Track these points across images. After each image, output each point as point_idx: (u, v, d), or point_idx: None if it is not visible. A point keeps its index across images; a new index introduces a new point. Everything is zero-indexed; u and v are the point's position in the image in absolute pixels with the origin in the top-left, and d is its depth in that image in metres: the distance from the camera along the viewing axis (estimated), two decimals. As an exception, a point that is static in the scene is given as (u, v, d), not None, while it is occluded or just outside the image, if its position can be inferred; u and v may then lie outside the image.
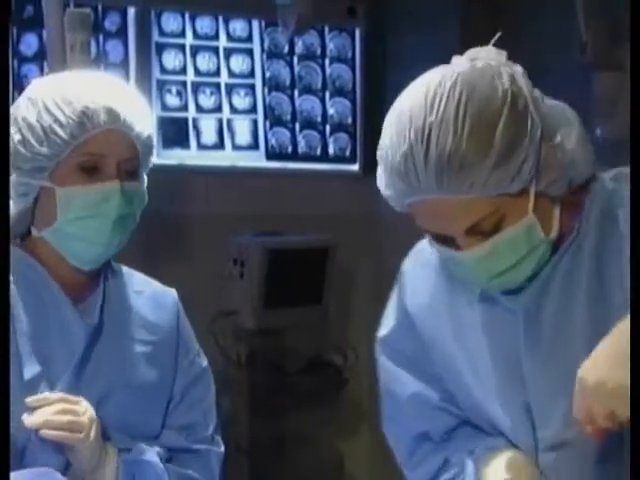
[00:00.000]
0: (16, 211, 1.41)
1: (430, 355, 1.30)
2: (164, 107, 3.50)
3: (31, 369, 1.38)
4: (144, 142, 1.43)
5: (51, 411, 1.34)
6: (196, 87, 3.59)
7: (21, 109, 1.40)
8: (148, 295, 1.52)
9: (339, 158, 3.86)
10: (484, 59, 1.18)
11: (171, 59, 3.52)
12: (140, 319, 1.49)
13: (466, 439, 1.30)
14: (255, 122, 3.70)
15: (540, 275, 1.21)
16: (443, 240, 1.18)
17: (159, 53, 3.49)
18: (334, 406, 3.50)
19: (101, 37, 3.38)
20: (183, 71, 3.54)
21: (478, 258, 1.16)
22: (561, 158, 1.16)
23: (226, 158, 3.64)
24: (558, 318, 1.21)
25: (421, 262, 1.32)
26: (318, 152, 3.83)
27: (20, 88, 3.23)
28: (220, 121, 3.63)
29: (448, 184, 1.11)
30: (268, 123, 3.73)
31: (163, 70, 3.50)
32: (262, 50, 3.70)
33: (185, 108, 3.54)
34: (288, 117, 3.76)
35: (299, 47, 3.77)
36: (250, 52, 3.68)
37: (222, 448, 1.54)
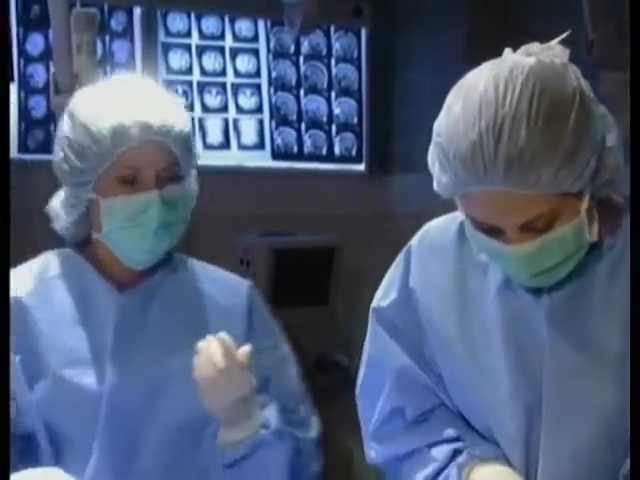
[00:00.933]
0: (71, 220, 1.48)
1: (425, 336, 1.30)
2: (170, 107, 3.50)
3: (74, 354, 1.42)
4: (182, 145, 1.45)
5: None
6: (202, 87, 3.59)
7: (62, 125, 1.46)
8: (219, 282, 1.55)
9: (345, 158, 3.85)
10: (547, 54, 1.18)
11: (177, 59, 3.52)
12: (208, 304, 1.51)
13: (441, 425, 1.29)
14: (261, 122, 3.70)
15: (576, 278, 1.20)
16: (492, 232, 1.17)
17: (165, 53, 3.50)
18: (340, 405, 3.49)
19: (107, 37, 3.38)
20: (189, 71, 3.54)
21: (527, 254, 1.15)
22: (612, 162, 1.17)
23: (232, 158, 3.63)
24: (592, 326, 1.19)
25: (432, 245, 1.31)
26: (324, 152, 3.82)
27: (26, 88, 3.23)
28: (226, 121, 3.63)
29: (516, 178, 1.11)
30: (274, 123, 3.72)
31: (169, 70, 3.50)
32: (268, 50, 3.70)
33: (191, 108, 3.54)
34: (294, 117, 3.76)
35: (305, 47, 3.77)
36: (256, 52, 3.68)
37: (313, 433, 1.54)
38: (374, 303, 1.36)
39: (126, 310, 1.47)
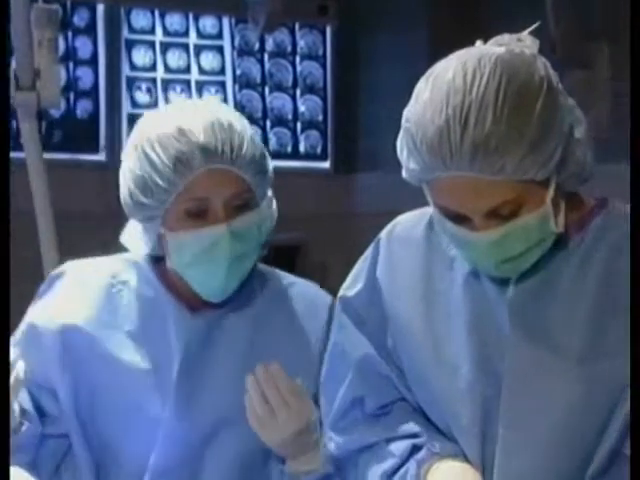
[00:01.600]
0: (147, 251, 1.40)
1: (388, 326, 1.30)
2: (134, 104, 3.47)
3: (138, 367, 1.36)
4: (253, 171, 1.35)
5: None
6: (166, 84, 3.57)
7: (126, 157, 1.37)
8: (298, 299, 1.45)
9: (310, 156, 3.85)
10: (517, 45, 1.19)
11: (141, 56, 3.51)
12: (284, 324, 1.42)
13: (401, 420, 1.29)
14: (226, 119, 3.68)
15: (542, 272, 1.21)
16: (458, 219, 1.18)
17: (129, 50, 3.48)
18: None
19: (70, 34, 3.37)
20: (153, 68, 3.53)
21: (492, 241, 1.17)
22: (580, 154, 1.19)
23: (196, 156, 3.61)
24: (555, 322, 1.20)
25: (401, 237, 1.32)
26: (289, 149, 3.82)
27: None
28: (190, 118, 3.60)
29: (481, 164, 1.12)
30: (239, 120, 3.72)
31: (133, 67, 3.48)
32: (232, 47, 3.69)
33: (155, 105, 3.51)
34: (259, 114, 3.75)
35: (270, 44, 3.76)
36: (220, 49, 3.67)
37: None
38: (341, 292, 1.35)
39: (196, 332, 1.37)
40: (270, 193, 1.42)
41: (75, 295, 1.40)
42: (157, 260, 1.42)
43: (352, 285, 1.34)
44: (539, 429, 1.17)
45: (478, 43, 1.21)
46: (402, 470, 1.26)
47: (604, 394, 1.14)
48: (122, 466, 1.36)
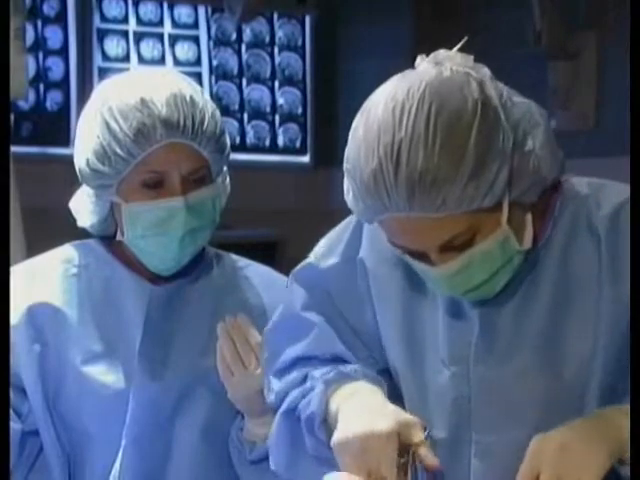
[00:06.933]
0: (95, 220, 1.40)
1: (373, 312, 1.28)
2: (107, 96, 3.43)
3: (91, 351, 1.38)
4: (213, 147, 1.35)
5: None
6: (140, 75, 3.53)
7: (84, 123, 1.36)
8: (256, 279, 1.47)
9: (289, 149, 3.81)
10: (450, 63, 1.16)
11: (113, 46, 3.46)
12: (243, 302, 1.44)
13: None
14: (202, 112, 3.65)
15: (516, 282, 1.19)
16: (415, 255, 1.16)
17: (101, 40, 3.43)
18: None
19: (39, 22, 3.32)
20: (126, 59, 3.48)
21: (452, 273, 1.15)
22: (533, 165, 1.15)
23: (172, 149, 3.57)
24: (515, 324, 1.19)
25: None
26: (267, 143, 3.78)
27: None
28: (166, 111, 3.57)
29: (419, 202, 1.10)
30: (215, 113, 3.69)
31: (105, 57, 3.43)
32: (209, 37, 3.64)
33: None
34: (236, 107, 3.71)
35: (247, 35, 3.72)
36: (196, 39, 3.62)
37: None
38: (312, 259, 1.31)
39: (157, 301, 1.40)
40: (225, 168, 1.42)
41: (28, 288, 1.39)
42: (104, 240, 1.43)
43: (326, 257, 1.31)
44: (510, 435, 1.16)
45: (418, 60, 1.17)
46: (309, 387, 1.23)
47: (570, 395, 1.14)
48: (98, 445, 1.37)
